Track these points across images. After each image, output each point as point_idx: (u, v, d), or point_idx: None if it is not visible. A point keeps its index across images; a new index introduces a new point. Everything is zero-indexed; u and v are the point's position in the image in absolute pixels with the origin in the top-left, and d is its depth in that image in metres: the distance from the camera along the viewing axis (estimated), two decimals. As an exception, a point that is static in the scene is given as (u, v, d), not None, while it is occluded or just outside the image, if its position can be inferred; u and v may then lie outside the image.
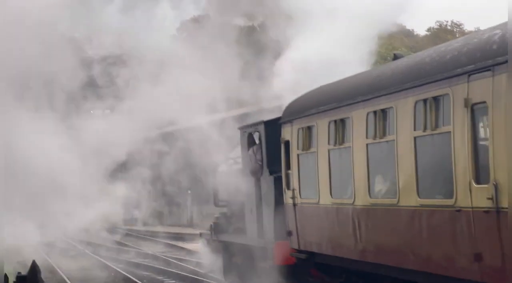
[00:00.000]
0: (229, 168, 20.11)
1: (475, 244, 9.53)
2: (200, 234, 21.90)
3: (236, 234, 18.81)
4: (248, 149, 17.87)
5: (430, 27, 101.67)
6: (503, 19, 9.69)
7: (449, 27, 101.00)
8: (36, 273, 14.37)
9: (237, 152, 19.51)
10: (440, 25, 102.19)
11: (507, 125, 8.77)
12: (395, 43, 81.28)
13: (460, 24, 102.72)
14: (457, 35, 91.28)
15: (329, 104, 14.08)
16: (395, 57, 13.70)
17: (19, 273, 14.73)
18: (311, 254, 15.18)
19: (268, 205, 16.85)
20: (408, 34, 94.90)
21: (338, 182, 13.75)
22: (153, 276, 25.27)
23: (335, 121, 13.66)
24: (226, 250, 19.37)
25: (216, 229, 19.64)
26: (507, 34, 9.09)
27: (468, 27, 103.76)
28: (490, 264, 9.30)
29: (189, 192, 46.58)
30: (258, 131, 17.63)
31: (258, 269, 17.44)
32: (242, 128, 18.52)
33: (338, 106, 13.61)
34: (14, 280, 14.12)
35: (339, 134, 13.55)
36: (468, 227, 9.65)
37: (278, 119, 16.75)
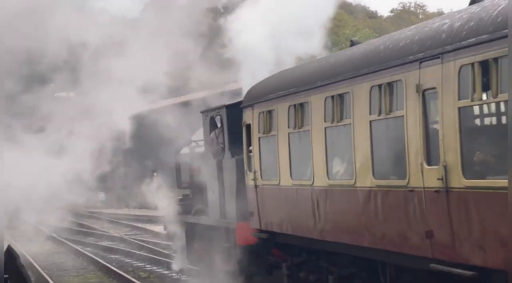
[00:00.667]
0: (191, 150, 20.50)
1: (426, 222, 10.08)
2: (163, 216, 22.30)
3: (198, 215, 19.25)
4: (210, 133, 18.28)
5: (394, 8, 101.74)
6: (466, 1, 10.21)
7: (412, 9, 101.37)
8: (15, 258, 13.37)
9: (200, 135, 19.91)
10: (403, 7, 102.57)
11: (454, 109, 9.31)
12: (359, 24, 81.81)
13: (423, 6, 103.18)
14: (420, 17, 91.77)
15: (288, 89, 14.54)
16: (352, 44, 14.17)
17: None
18: (272, 234, 15.68)
19: (230, 186, 17.28)
20: (371, 15, 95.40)
21: (298, 164, 14.23)
22: (122, 259, 25.63)
23: (295, 105, 14.12)
24: (189, 231, 19.80)
25: (179, 210, 20.04)
26: (456, 24, 9.62)
27: (431, 8, 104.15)
28: (440, 241, 9.85)
29: (155, 174, 46.80)
30: (220, 115, 18.03)
31: (221, 250, 17.88)
32: (204, 112, 18.91)
33: (298, 91, 14.07)
34: None
35: (298, 118, 14.01)
36: (420, 206, 10.20)
37: (239, 103, 17.18)
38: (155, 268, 22.34)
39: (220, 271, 18.33)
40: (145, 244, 27.62)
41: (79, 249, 28.13)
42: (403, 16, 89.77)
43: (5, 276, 11.61)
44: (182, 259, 20.31)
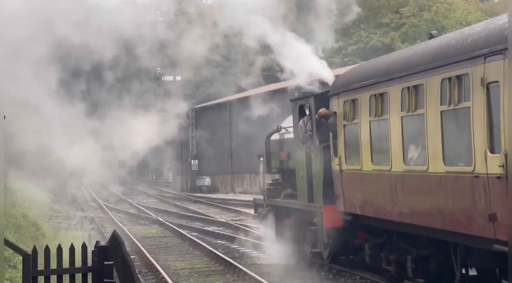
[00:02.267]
0: (281, 136, 21.45)
1: (490, 206, 10.86)
2: (253, 200, 23.30)
3: (287, 199, 20.23)
4: (299, 120, 19.23)
5: None
6: None
7: None
8: (120, 245, 12.97)
9: (289, 122, 20.84)
10: None
11: (514, 102, 10.06)
12: (470, 7, 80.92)
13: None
14: None
15: (370, 79, 15.41)
16: (431, 36, 14.93)
17: (98, 242, 12.93)
18: (356, 217, 16.59)
19: (317, 172, 18.21)
20: None
21: (378, 150, 15.11)
22: (227, 244, 26.10)
23: (375, 95, 14.99)
24: (278, 214, 20.81)
25: (269, 194, 21.04)
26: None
27: None
28: (502, 223, 10.62)
29: (261, 159, 47.89)
30: (308, 103, 18.95)
31: (308, 232, 18.84)
32: (293, 100, 19.84)
33: (378, 82, 14.93)
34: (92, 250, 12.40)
35: (378, 107, 14.88)
36: (484, 191, 10.99)
37: (326, 92, 18.10)
38: (262, 254, 22.12)
39: (308, 252, 19.32)
40: (249, 230, 28.54)
41: (185, 233, 28.58)
42: None
43: (110, 262, 11.71)
44: (272, 241, 21.27)
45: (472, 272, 13.77)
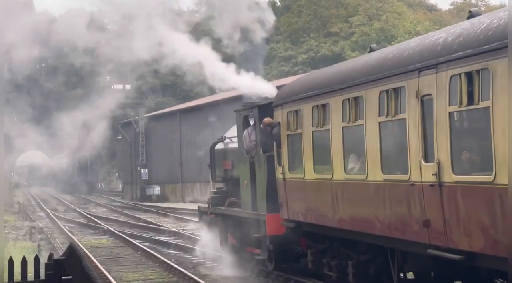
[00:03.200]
0: (225, 146, 21.88)
1: (424, 212, 11.43)
2: (198, 208, 23.65)
3: (231, 207, 20.66)
4: (243, 130, 19.68)
5: (454, 1, 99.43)
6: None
7: (473, 1, 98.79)
8: (78, 258, 12.30)
9: (233, 132, 21.28)
10: (465, 0, 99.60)
11: (447, 114, 10.64)
12: (419, 17, 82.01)
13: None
14: (482, 9, 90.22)
15: (312, 91, 15.93)
16: (371, 50, 15.52)
17: (51, 255, 12.00)
18: (299, 224, 17.08)
19: (261, 180, 18.68)
20: (431, 8, 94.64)
21: (320, 160, 15.62)
22: (180, 254, 25.82)
23: (317, 106, 15.51)
24: (222, 222, 21.21)
25: (213, 202, 21.44)
26: (449, 38, 10.93)
27: (494, 1, 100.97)
28: (435, 229, 11.19)
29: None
30: (252, 114, 19.41)
31: (252, 239, 19.28)
32: (238, 111, 20.29)
33: (320, 93, 15.46)
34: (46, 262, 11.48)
35: (320, 117, 15.40)
36: (419, 198, 11.55)
37: (270, 103, 18.58)
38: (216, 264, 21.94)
39: (252, 260, 19.76)
40: (191, 235, 28.46)
41: (136, 243, 28.48)
42: (465, 9, 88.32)
43: (68, 277, 11.05)
44: (216, 248, 21.64)
45: (409, 276, 14.36)
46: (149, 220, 41.00)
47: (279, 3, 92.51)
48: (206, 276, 20.16)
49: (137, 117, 65.76)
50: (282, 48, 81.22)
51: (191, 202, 57.20)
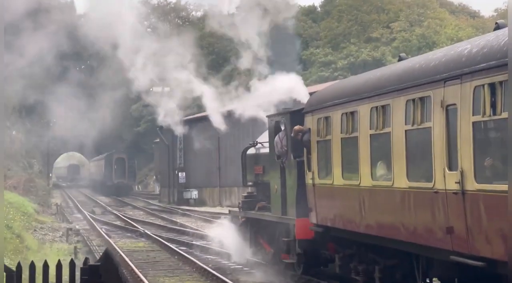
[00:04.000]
0: (257, 151, 22.23)
1: (447, 219, 11.68)
2: (229, 211, 23.99)
3: (261, 211, 21.01)
4: (275, 136, 20.02)
5: (497, 8, 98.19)
6: None
7: None
8: (114, 265, 11.93)
9: (265, 137, 21.63)
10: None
11: (470, 123, 10.91)
12: (461, 23, 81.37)
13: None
14: None
15: (342, 98, 16.24)
16: (400, 59, 15.79)
17: (87, 259, 11.94)
18: (327, 229, 17.38)
19: (291, 185, 19.01)
20: (473, 14, 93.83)
21: (348, 166, 15.92)
22: (218, 259, 25.59)
23: (346, 113, 15.82)
24: (252, 226, 21.57)
25: (244, 206, 21.81)
26: (474, 50, 11.19)
27: None
28: (458, 235, 11.44)
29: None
30: (284, 120, 19.76)
31: (281, 243, 19.61)
32: (270, 117, 20.65)
33: (349, 101, 15.76)
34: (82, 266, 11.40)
35: (349, 124, 15.70)
36: (443, 205, 11.81)
37: (301, 109, 18.92)
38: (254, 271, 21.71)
39: (281, 263, 20.08)
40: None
41: (174, 247, 28.03)
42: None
43: None
44: (246, 252, 21.96)
45: (435, 281, 14.60)
46: (186, 224, 40.63)
47: (319, 9, 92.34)
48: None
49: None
50: (322, 53, 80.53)
51: (228, 206, 57.08)
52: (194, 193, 63.90)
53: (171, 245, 29.07)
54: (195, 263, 23.60)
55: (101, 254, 11.37)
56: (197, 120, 66.37)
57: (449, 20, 79.26)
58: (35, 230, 35.49)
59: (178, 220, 43.70)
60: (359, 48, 77.25)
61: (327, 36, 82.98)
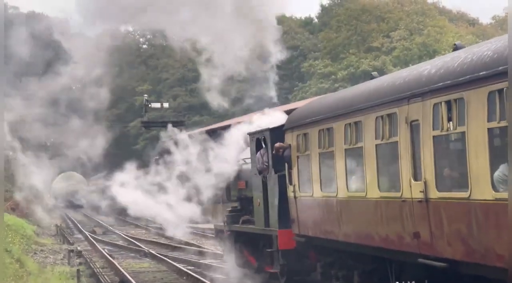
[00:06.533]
0: (239, 167, 23.28)
1: (414, 225, 12.79)
2: (214, 226, 24.95)
3: (245, 224, 22.06)
4: (256, 152, 21.09)
5: (495, 15, 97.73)
6: None
7: None
8: None
9: (247, 154, 22.68)
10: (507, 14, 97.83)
11: (431, 138, 12.04)
12: (461, 31, 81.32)
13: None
14: None
15: (318, 116, 17.35)
16: (372, 77, 16.93)
17: None
18: (309, 238, 18.44)
19: (273, 199, 20.07)
20: (472, 22, 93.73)
21: (326, 179, 17.02)
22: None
23: (323, 129, 16.92)
24: (237, 239, 22.63)
25: (228, 220, 22.88)
26: (432, 71, 12.33)
27: None
28: (424, 240, 12.54)
29: None
30: (264, 137, 20.83)
31: (265, 254, 20.66)
32: (251, 134, 21.72)
33: (325, 118, 16.88)
34: None
35: (325, 140, 16.81)
36: (409, 213, 12.92)
37: (281, 126, 20.00)
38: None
39: (265, 273, 21.12)
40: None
41: (181, 267, 27.32)
42: (506, 23, 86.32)
43: None
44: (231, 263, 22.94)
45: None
46: (191, 242, 39.16)
47: (315, 20, 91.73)
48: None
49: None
50: (322, 64, 79.26)
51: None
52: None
53: (177, 265, 28.17)
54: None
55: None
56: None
57: (449, 28, 78.00)
58: (35, 253, 34.67)
59: (182, 238, 40.62)
60: (359, 58, 75.46)
61: (326, 47, 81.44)
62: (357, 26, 79.60)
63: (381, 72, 65.83)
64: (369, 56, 75.91)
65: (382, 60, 73.34)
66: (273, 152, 19.65)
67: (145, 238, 44.60)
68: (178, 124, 62.33)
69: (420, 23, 77.19)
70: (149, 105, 60.43)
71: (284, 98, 73.36)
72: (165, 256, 32.12)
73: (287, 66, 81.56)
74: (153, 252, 34.09)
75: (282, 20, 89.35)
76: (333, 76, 76.28)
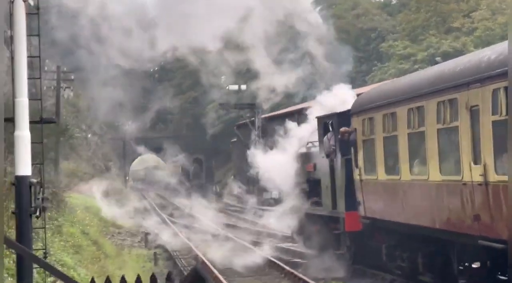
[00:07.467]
0: (308, 150, 23.72)
1: (474, 208, 13.12)
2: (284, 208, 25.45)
3: (314, 206, 22.57)
4: (324, 136, 21.53)
5: None
6: None
7: None
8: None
9: (315, 137, 23.07)
10: None
11: (490, 123, 12.35)
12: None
13: None
14: None
15: (382, 101, 17.72)
16: (435, 63, 17.25)
17: (170, 273, 10.21)
18: (374, 220, 18.86)
19: (339, 182, 20.51)
20: None
21: (390, 162, 17.40)
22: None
23: (387, 114, 17.30)
24: (305, 220, 23.15)
25: (297, 202, 23.39)
26: (492, 57, 12.61)
27: None
28: (484, 222, 12.87)
29: None
30: (332, 121, 21.25)
31: (332, 235, 21.14)
32: (319, 118, 22.17)
33: (389, 103, 17.24)
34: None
35: (389, 124, 17.18)
36: (470, 196, 13.25)
37: (348, 111, 20.39)
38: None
39: (333, 254, 21.59)
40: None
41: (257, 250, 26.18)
42: None
43: None
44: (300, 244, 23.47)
45: (475, 265, 15.94)
46: (269, 225, 34.61)
47: (394, 1, 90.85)
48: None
49: (253, 119, 61.30)
50: (401, 45, 78.65)
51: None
52: (275, 193, 61.10)
53: (256, 249, 26.71)
54: (283, 268, 22.36)
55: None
56: (275, 117, 63.77)
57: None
58: (112, 235, 34.43)
59: (259, 221, 39.64)
60: (439, 39, 72.36)
61: (405, 29, 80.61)
62: (437, 7, 77.80)
63: (462, 54, 63.46)
64: (450, 37, 74.30)
65: (463, 41, 71.65)
66: (339, 136, 20.08)
67: (221, 221, 42.52)
68: (254, 107, 61.30)
69: (503, 2, 74.93)
70: (227, 88, 59.73)
71: (361, 80, 73.04)
72: (243, 239, 30.52)
73: (365, 48, 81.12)
74: (230, 235, 32.55)
75: (357, 2, 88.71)
76: (412, 58, 74.97)
